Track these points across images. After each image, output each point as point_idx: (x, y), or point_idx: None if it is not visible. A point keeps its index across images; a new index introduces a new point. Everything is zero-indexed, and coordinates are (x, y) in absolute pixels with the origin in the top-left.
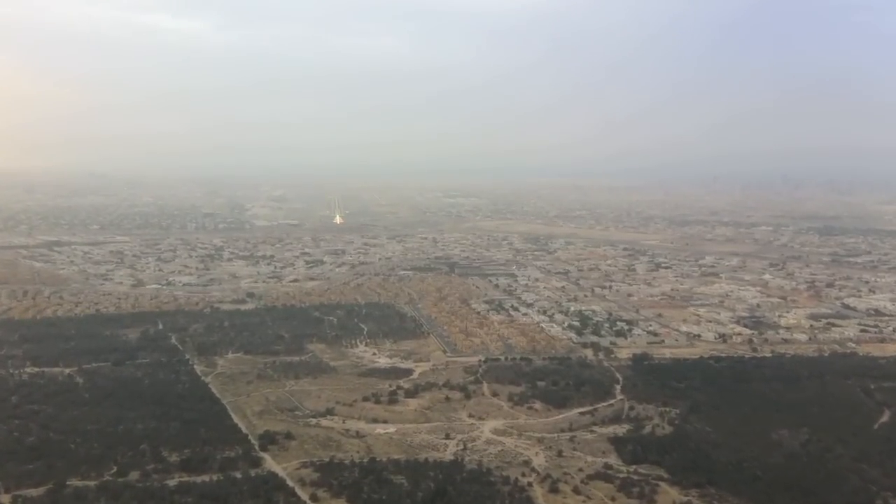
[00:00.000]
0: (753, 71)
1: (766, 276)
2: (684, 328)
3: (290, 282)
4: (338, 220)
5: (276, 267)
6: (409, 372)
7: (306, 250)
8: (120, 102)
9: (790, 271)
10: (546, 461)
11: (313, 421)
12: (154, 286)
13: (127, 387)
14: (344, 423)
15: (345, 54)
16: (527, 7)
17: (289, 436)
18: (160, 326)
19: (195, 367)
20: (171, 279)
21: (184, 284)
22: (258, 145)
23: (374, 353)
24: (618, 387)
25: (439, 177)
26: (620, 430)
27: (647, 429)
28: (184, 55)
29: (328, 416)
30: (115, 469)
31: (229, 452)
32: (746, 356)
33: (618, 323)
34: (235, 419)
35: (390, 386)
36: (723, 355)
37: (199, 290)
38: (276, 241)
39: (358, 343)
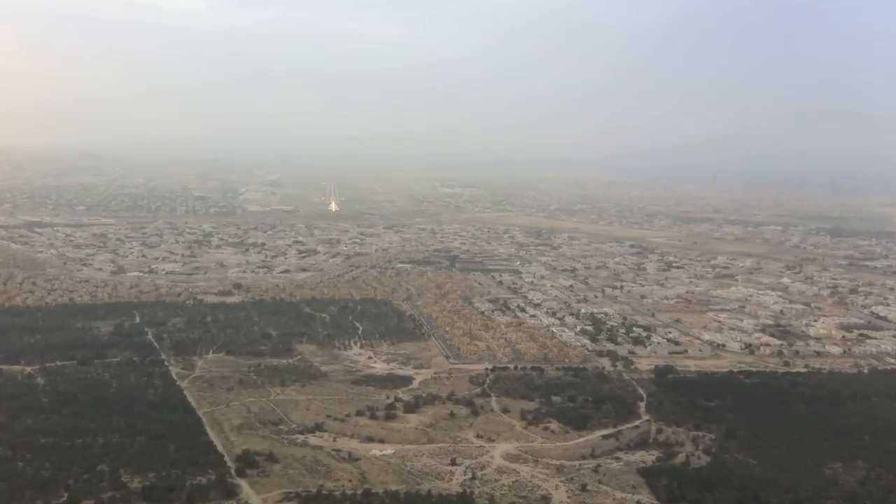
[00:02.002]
0: (757, 72)
1: (785, 280)
2: (706, 336)
3: (281, 272)
4: (333, 206)
5: (266, 256)
6: (408, 380)
7: (299, 238)
8: (115, 86)
9: (809, 275)
10: (568, 497)
11: (300, 438)
12: (135, 273)
13: (91, 391)
14: (335, 441)
15: (347, 42)
16: (538, 3)
17: (271, 457)
18: (137, 319)
19: (170, 368)
20: (153, 266)
21: (167, 272)
22: (255, 135)
23: (370, 357)
24: (642, 405)
25: (438, 171)
26: (649, 457)
27: (680, 457)
28: (181, 37)
29: (317, 433)
30: (65, 496)
31: (200, 478)
32: (779, 371)
33: (634, 329)
34: (211, 435)
35: (387, 397)
36: (753, 369)
37: (182, 279)
38: (268, 227)
39: (352, 344)
